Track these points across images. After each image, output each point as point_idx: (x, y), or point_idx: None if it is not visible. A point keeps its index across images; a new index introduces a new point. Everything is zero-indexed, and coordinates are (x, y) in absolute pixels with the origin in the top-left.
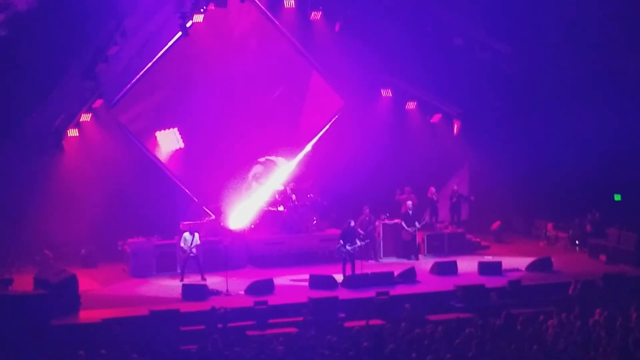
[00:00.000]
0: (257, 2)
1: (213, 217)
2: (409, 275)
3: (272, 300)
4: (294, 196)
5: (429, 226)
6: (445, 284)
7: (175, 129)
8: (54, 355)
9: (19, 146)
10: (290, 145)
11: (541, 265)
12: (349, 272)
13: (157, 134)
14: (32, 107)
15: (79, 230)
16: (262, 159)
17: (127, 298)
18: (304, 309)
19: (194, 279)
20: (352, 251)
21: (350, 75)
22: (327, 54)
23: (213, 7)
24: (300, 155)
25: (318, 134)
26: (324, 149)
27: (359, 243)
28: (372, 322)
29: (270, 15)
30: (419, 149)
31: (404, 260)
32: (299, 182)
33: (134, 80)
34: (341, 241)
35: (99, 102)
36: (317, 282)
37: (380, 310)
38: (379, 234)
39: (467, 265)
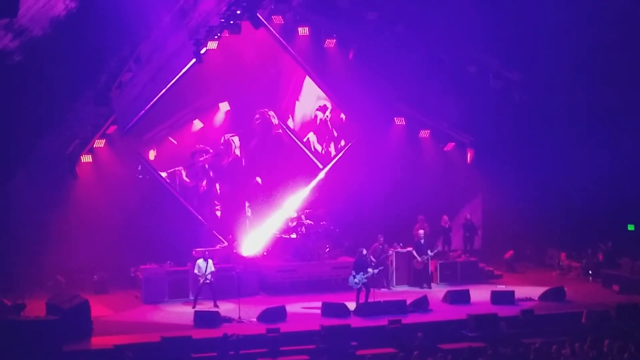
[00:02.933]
0: (271, 29)
1: (225, 244)
2: (422, 304)
3: (284, 327)
4: (307, 222)
5: (441, 255)
6: (457, 312)
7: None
8: None
9: (32, 172)
10: (303, 172)
11: (554, 294)
12: (363, 300)
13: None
14: (46, 133)
15: (92, 256)
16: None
17: (139, 324)
18: (316, 336)
19: (206, 306)
20: (365, 280)
21: (364, 103)
22: (341, 81)
23: (227, 34)
24: (314, 183)
25: (331, 161)
26: (337, 177)
27: (371, 272)
28: (384, 350)
29: (284, 42)
30: (432, 177)
31: (417, 289)
32: (312, 209)
33: (147, 107)
34: (353, 272)
35: (112, 128)
36: (330, 309)
37: (393, 339)
38: (391, 262)
39: (480, 294)
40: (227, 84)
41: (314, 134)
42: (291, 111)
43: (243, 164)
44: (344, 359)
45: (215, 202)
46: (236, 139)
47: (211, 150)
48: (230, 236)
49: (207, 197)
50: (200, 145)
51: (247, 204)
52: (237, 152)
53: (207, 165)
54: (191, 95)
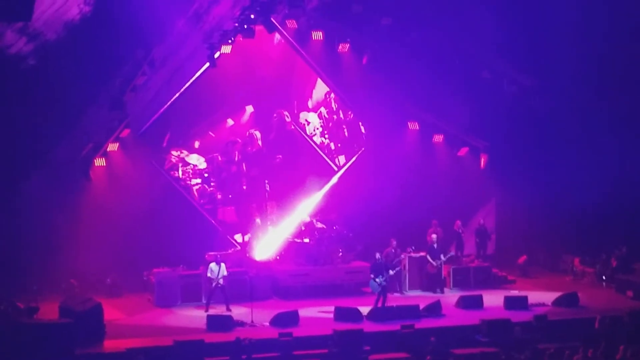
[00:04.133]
0: (285, 33)
1: (238, 247)
2: (435, 309)
3: (297, 332)
4: (320, 226)
5: (454, 260)
6: (470, 317)
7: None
8: None
9: (46, 175)
10: (317, 177)
11: (567, 300)
12: (380, 305)
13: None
14: (60, 136)
15: (105, 260)
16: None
17: (151, 328)
18: (329, 341)
19: (219, 310)
20: (385, 282)
21: (377, 108)
22: (354, 86)
23: (241, 38)
24: (327, 187)
25: (345, 165)
26: (350, 181)
27: (391, 272)
28: (397, 355)
29: (297, 46)
30: (446, 182)
31: (430, 294)
32: (325, 213)
33: (161, 110)
34: (372, 275)
35: (126, 132)
36: (342, 314)
37: (405, 344)
38: (404, 266)
39: (493, 299)
40: (251, 88)
41: (327, 132)
42: (304, 109)
43: (264, 151)
44: None
45: (243, 185)
46: (258, 133)
47: (239, 141)
48: (244, 240)
49: (228, 187)
50: (232, 138)
51: (266, 182)
52: (260, 142)
53: (237, 152)
54: (224, 97)
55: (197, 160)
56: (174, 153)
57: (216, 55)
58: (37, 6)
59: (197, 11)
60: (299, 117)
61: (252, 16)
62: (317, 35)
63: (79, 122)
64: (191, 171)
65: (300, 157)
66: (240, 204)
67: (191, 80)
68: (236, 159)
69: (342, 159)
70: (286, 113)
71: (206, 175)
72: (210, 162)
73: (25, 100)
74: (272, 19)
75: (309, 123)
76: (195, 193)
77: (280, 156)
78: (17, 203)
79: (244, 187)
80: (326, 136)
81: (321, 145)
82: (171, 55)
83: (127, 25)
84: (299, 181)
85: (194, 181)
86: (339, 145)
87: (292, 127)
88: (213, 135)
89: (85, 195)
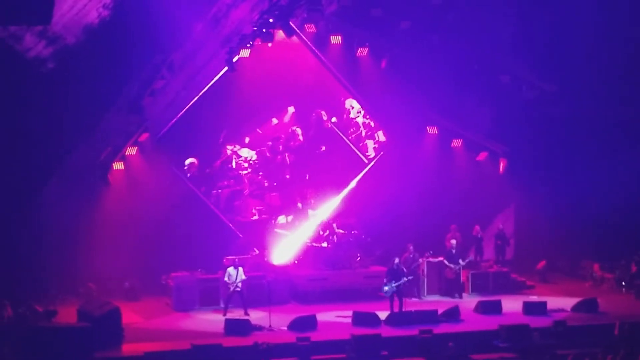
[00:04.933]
0: (304, 37)
1: (257, 252)
2: (453, 314)
3: (315, 336)
4: (338, 231)
5: (473, 265)
6: (489, 323)
7: None
8: None
9: (65, 179)
10: (335, 181)
11: (587, 306)
12: (396, 309)
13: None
14: (79, 141)
15: (123, 264)
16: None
17: (169, 332)
18: (347, 345)
19: (237, 314)
20: (396, 288)
21: (396, 112)
22: (373, 90)
23: (259, 42)
24: (345, 191)
25: (363, 170)
26: (369, 185)
27: (403, 280)
28: None
29: (316, 50)
30: (465, 186)
31: (448, 299)
32: (343, 218)
33: (180, 114)
34: (385, 280)
35: (144, 136)
36: (360, 319)
37: (424, 349)
38: (422, 271)
39: (512, 304)
40: (293, 91)
41: (368, 115)
42: (340, 110)
43: (305, 145)
44: None
45: (286, 174)
46: (299, 130)
47: (283, 137)
48: (262, 244)
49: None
50: (277, 134)
51: (307, 175)
52: (301, 137)
53: (281, 146)
54: (269, 99)
55: (247, 153)
56: (229, 147)
57: (234, 59)
58: (56, 10)
59: (215, 15)
60: (344, 104)
61: (271, 20)
62: (336, 39)
63: (97, 126)
64: (243, 162)
65: (336, 151)
66: (283, 190)
67: (210, 84)
68: (280, 151)
69: (380, 134)
70: (323, 112)
71: (256, 165)
72: (258, 155)
73: (44, 103)
74: (290, 23)
75: (352, 107)
76: (246, 181)
77: (324, 147)
78: (36, 207)
79: (287, 176)
80: (367, 117)
81: (364, 125)
82: (190, 60)
83: (145, 30)
84: (334, 172)
85: (244, 172)
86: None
87: (329, 125)
88: (260, 132)
89: (104, 199)
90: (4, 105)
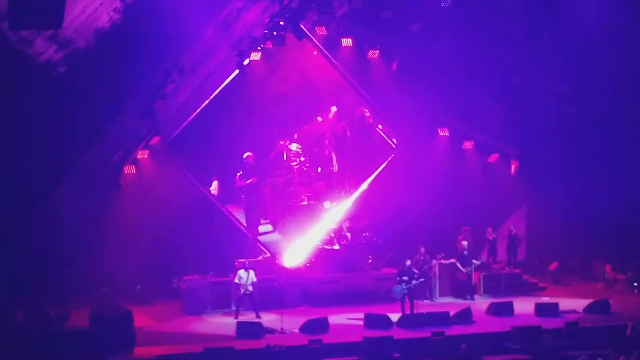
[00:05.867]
0: (315, 40)
1: (268, 255)
2: (465, 316)
3: (327, 339)
4: (349, 235)
5: (485, 266)
6: (501, 324)
7: None
8: None
9: (76, 182)
10: (347, 183)
11: (599, 307)
12: (408, 311)
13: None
14: (90, 144)
15: (135, 267)
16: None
17: (181, 335)
18: (359, 348)
19: (248, 317)
20: (407, 290)
21: (407, 114)
22: (384, 92)
23: (270, 46)
24: (357, 194)
25: (374, 172)
26: (380, 188)
27: (414, 282)
28: None
29: (327, 53)
30: (476, 188)
31: (460, 301)
32: (354, 220)
33: (191, 118)
34: (397, 279)
35: (155, 139)
36: (372, 321)
37: (435, 351)
38: (434, 273)
39: (524, 306)
40: (336, 90)
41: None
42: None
43: (349, 141)
44: None
45: (331, 166)
46: (345, 127)
47: (327, 133)
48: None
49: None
50: (321, 130)
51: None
52: (347, 133)
53: (326, 141)
54: (314, 100)
55: (296, 148)
56: (281, 142)
57: (245, 62)
58: (67, 14)
59: (226, 19)
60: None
61: (282, 23)
62: (347, 41)
63: (108, 130)
64: (293, 155)
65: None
66: (328, 180)
67: (221, 87)
68: (326, 145)
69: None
70: (366, 110)
71: (303, 158)
72: (306, 149)
73: (55, 107)
74: (301, 25)
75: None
76: (295, 171)
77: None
78: (48, 210)
79: (332, 168)
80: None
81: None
82: (200, 63)
83: (156, 33)
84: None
85: (294, 163)
86: None
87: (371, 122)
88: (307, 129)
89: (116, 202)
90: (16, 109)
